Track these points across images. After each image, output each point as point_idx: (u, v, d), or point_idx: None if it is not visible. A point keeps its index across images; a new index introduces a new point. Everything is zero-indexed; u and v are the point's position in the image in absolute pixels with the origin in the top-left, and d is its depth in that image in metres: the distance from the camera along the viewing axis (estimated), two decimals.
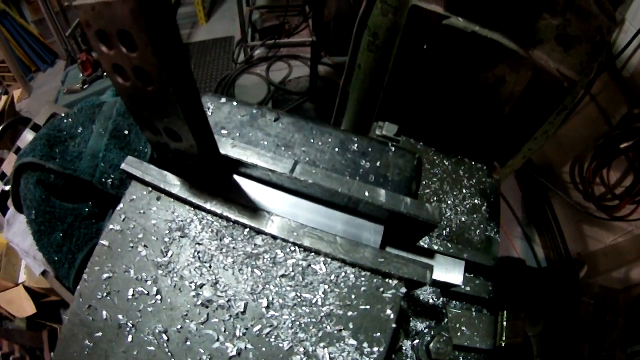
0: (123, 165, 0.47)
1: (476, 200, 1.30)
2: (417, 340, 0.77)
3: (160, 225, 0.44)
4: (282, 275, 0.41)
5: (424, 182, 1.27)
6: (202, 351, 0.39)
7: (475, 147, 1.36)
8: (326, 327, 0.39)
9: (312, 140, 0.54)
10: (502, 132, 1.37)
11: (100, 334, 0.42)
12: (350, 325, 0.39)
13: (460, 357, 0.93)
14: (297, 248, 0.42)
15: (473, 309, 0.93)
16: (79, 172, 0.90)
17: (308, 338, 0.39)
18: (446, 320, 0.81)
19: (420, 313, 0.77)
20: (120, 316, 0.42)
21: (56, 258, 0.86)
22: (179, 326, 0.40)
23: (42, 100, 3.79)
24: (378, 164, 0.51)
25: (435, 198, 1.24)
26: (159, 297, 0.41)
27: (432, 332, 0.78)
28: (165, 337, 0.40)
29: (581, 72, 1.19)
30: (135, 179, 0.47)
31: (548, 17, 1.16)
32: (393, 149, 0.53)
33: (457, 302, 0.93)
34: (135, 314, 0.42)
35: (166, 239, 0.43)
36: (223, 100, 0.63)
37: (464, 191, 1.30)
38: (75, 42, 3.57)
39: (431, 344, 0.75)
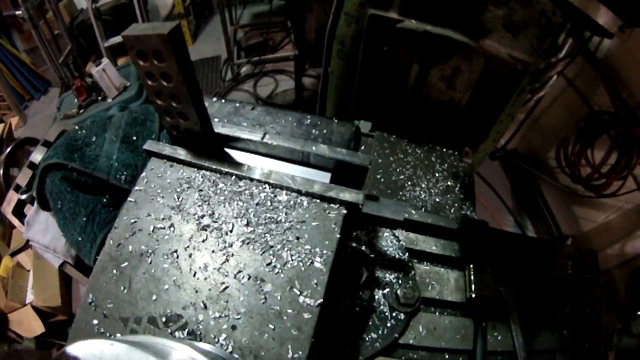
0: (145, 146, 0.70)
1: (449, 183, 1.46)
2: (387, 290, 0.96)
3: (173, 182, 0.67)
4: (257, 204, 0.62)
5: (397, 170, 1.43)
6: (201, 261, 0.60)
7: (446, 135, 1.56)
8: (288, 237, 0.60)
9: (277, 120, 0.77)
10: (467, 119, 1.58)
11: (126, 263, 0.63)
12: (306, 236, 0.60)
13: (437, 312, 1.08)
14: (266, 185, 0.64)
15: (442, 268, 1.11)
16: (97, 170, 1.14)
17: (275, 245, 0.60)
18: (413, 272, 1.00)
19: (388, 266, 0.96)
20: (143, 247, 0.63)
21: (80, 238, 1.08)
22: (186, 246, 0.61)
23: (38, 128, 4.10)
24: (325, 131, 0.74)
25: (409, 182, 1.41)
26: (172, 228, 0.63)
27: (400, 282, 0.97)
28: (175, 255, 0.61)
29: (533, 54, 1.37)
30: (154, 154, 0.70)
31: (493, 8, 1.34)
32: (336, 122, 0.76)
33: (427, 263, 1.11)
34: (154, 244, 0.63)
35: (177, 190, 0.66)
36: (214, 99, 0.87)
37: (437, 175, 1.46)
38: (68, 69, 3.87)
39: (399, 291, 0.93)
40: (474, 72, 1.44)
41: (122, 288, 0.61)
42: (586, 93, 2.39)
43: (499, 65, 1.43)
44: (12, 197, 1.74)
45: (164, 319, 0.58)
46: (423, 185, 1.42)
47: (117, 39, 3.38)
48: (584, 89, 2.41)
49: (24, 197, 1.64)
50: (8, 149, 2.16)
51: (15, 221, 1.63)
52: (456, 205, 1.42)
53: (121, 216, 0.66)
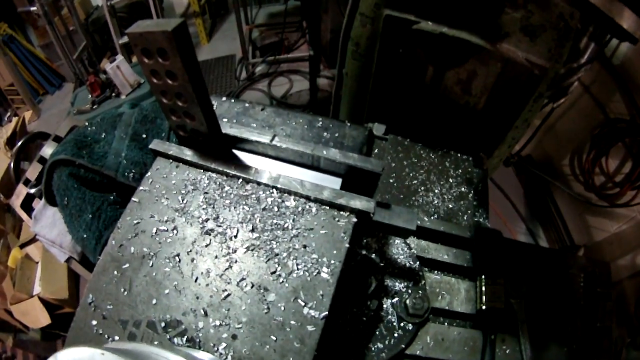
0: (151, 145, 0.67)
1: (463, 189, 1.41)
2: (396, 299, 0.92)
3: (178, 183, 0.64)
4: (263, 209, 0.59)
5: (411, 174, 1.40)
6: (204, 266, 0.58)
7: (461, 140, 1.51)
8: (295, 245, 0.57)
9: (288, 122, 0.74)
10: (483, 124, 1.53)
11: (127, 265, 0.60)
12: (313, 244, 0.57)
13: (446, 323, 1.04)
14: (274, 190, 0.61)
15: (453, 277, 1.07)
16: (105, 167, 1.13)
17: (281, 252, 0.57)
18: (423, 282, 0.96)
19: (398, 275, 0.93)
20: (145, 249, 0.60)
21: (85, 236, 1.07)
22: (188, 250, 0.59)
23: (52, 122, 4.14)
24: (337, 135, 0.71)
25: (422, 187, 1.37)
26: (175, 231, 0.60)
27: (410, 291, 0.93)
28: (177, 259, 0.59)
29: (551, 59, 1.32)
30: (160, 154, 0.68)
31: (510, 11, 1.30)
32: (349, 125, 0.72)
33: (438, 272, 1.07)
34: (156, 246, 0.60)
35: (182, 192, 0.63)
36: (224, 99, 0.85)
37: (451, 180, 1.42)
38: (82, 65, 3.91)
39: (408, 300, 0.90)
40: (490, 76, 1.40)
41: (122, 290, 0.59)
42: (602, 100, 2.33)
43: (516, 69, 1.38)
44: (22, 191, 1.76)
45: (163, 324, 0.56)
46: (436, 191, 1.37)
47: None
48: (600, 96, 2.34)
49: (32, 191, 1.66)
50: (19, 143, 2.18)
51: (23, 215, 1.64)
52: (469, 212, 1.36)
53: (124, 216, 0.64)
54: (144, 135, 1.23)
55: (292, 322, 0.53)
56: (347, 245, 0.58)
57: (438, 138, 1.45)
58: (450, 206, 1.36)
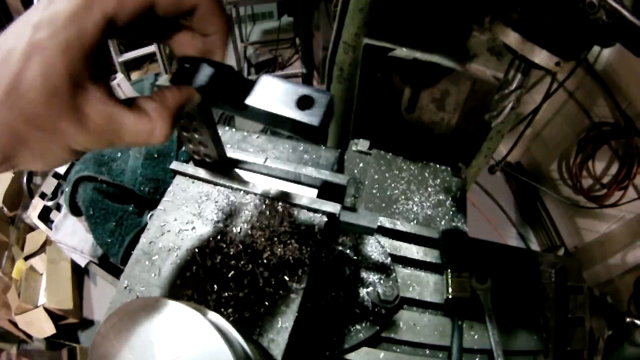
0: (172, 166, 0.97)
1: (441, 197, 1.64)
2: (370, 288, 1.19)
3: (194, 195, 0.94)
4: (259, 212, 0.89)
5: (392, 185, 1.64)
6: (216, 254, 0.86)
7: (439, 152, 1.78)
8: (281, 237, 0.85)
9: (277, 147, 1.05)
10: (458, 137, 1.81)
11: (157, 256, 0.89)
12: (295, 236, 0.86)
13: (419, 312, 1.29)
14: (267, 198, 0.90)
15: (423, 272, 1.33)
16: (124, 182, 1.44)
17: (272, 243, 0.86)
18: (394, 275, 1.23)
19: (372, 269, 1.20)
20: (170, 244, 0.89)
21: (109, 240, 1.39)
22: (205, 244, 0.87)
23: None
24: (314, 156, 1.01)
25: (403, 197, 1.62)
26: (194, 230, 0.90)
27: (382, 282, 1.20)
28: (197, 250, 0.87)
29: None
30: (179, 173, 0.98)
31: (477, 34, 1.58)
32: (324, 148, 1.02)
33: (409, 267, 1.33)
34: (179, 242, 0.89)
35: (198, 201, 0.93)
36: (226, 128, 1.15)
37: (429, 189, 1.64)
38: None
39: (379, 289, 1.17)
40: (461, 93, 1.68)
41: (153, 275, 0.87)
42: (586, 105, 2.61)
43: (485, 86, 1.65)
44: (38, 204, 2.08)
45: (185, 298, 0.84)
46: (416, 199, 1.58)
47: (131, 55, 3.74)
48: (584, 101, 2.62)
49: (50, 203, 1.98)
50: None
51: (41, 225, 1.94)
52: (447, 217, 1.56)
53: (153, 220, 0.93)
54: (156, 155, 1.55)
55: (281, 291, 0.82)
56: (319, 237, 0.87)
57: (418, 151, 1.71)
58: (429, 212, 1.57)
